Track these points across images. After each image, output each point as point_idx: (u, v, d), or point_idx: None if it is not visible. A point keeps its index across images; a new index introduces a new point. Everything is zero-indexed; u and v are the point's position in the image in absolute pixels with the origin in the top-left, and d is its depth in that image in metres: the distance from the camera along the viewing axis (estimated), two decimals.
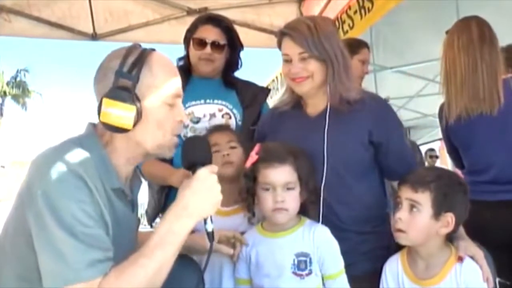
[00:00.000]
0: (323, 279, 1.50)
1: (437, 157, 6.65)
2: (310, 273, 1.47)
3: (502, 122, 1.87)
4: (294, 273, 1.47)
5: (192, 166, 1.28)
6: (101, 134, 1.27)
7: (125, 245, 1.25)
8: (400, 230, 1.48)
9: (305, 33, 1.58)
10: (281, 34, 1.64)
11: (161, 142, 1.27)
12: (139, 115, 1.20)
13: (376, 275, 1.59)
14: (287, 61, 1.63)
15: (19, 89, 22.02)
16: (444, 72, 1.98)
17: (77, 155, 1.18)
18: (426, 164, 6.39)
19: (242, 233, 1.60)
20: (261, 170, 1.47)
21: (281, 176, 1.46)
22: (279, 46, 1.68)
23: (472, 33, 1.94)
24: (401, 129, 1.73)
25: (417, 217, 1.46)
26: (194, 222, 1.22)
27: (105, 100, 1.19)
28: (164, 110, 1.26)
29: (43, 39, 3.92)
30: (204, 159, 1.29)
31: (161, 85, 1.25)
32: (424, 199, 1.45)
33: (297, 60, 1.60)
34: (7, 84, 21.43)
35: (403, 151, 1.68)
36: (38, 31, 3.67)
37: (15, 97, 22.10)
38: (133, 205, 1.34)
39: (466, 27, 1.97)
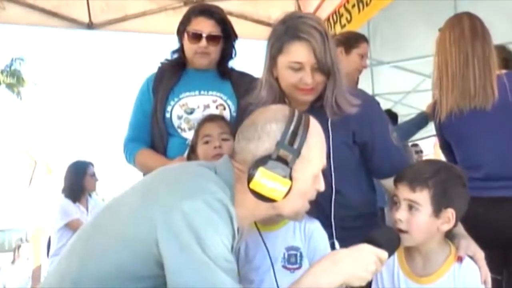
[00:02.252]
0: None
1: (421, 151, 6.65)
2: (300, 267, 1.47)
3: (495, 118, 1.87)
4: (284, 266, 1.47)
5: (370, 241, 1.28)
6: (236, 177, 1.24)
7: None
8: (401, 231, 1.44)
9: (320, 42, 1.47)
10: (291, 38, 1.49)
11: (299, 210, 1.28)
12: (290, 189, 1.18)
13: None
14: (296, 69, 1.50)
15: (14, 78, 21.85)
16: (437, 68, 1.98)
17: (221, 185, 1.18)
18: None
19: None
20: None
21: None
22: (278, 49, 1.51)
23: (464, 28, 1.93)
24: (387, 128, 1.67)
25: (417, 217, 1.42)
26: (341, 281, 1.20)
27: (262, 170, 1.16)
28: (310, 182, 1.26)
29: (38, 27, 3.89)
30: (383, 244, 1.28)
31: (315, 159, 1.25)
32: (423, 198, 1.42)
33: (309, 70, 1.49)
34: (1, 72, 21.25)
35: (389, 150, 1.64)
36: (32, 19, 3.64)
37: (9, 86, 21.94)
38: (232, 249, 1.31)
39: (458, 22, 1.96)
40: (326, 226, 1.54)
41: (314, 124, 1.27)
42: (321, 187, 1.30)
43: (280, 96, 1.59)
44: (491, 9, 3.30)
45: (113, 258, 1.16)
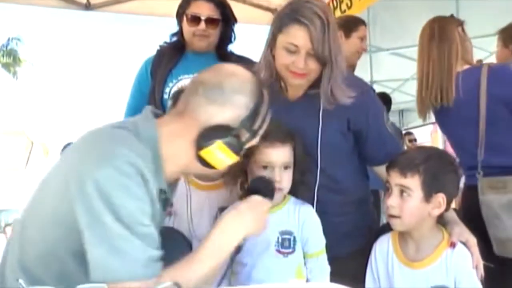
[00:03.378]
0: (304, 258, 1.51)
1: (415, 140, 6.65)
2: (293, 251, 1.49)
3: (457, 113, 1.98)
4: (278, 250, 1.48)
5: (253, 192, 1.35)
6: (160, 126, 1.22)
7: None
8: (393, 216, 1.48)
9: (319, 30, 1.46)
10: (292, 20, 1.48)
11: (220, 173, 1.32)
12: None
13: (357, 254, 1.61)
14: (291, 51, 1.49)
15: (10, 57, 21.67)
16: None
17: (137, 145, 1.16)
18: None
19: (223, 208, 1.59)
20: (261, 148, 1.45)
21: (281, 156, 1.46)
22: (279, 28, 1.51)
23: (424, 35, 2.06)
24: (382, 116, 1.68)
25: (408, 202, 1.46)
26: (245, 233, 1.26)
27: (219, 143, 1.16)
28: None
29: (36, 7, 3.85)
30: (266, 193, 1.35)
31: (258, 138, 1.28)
32: (414, 183, 1.45)
33: (304, 54, 1.48)
34: None
35: (383, 138, 1.65)
36: None
37: (5, 66, 21.77)
38: (166, 204, 1.31)
39: (422, 30, 2.09)
40: (309, 200, 1.56)
41: (269, 104, 1.27)
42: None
43: (277, 76, 1.59)
44: None
45: (48, 236, 1.16)
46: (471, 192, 1.88)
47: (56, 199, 1.15)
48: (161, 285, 0.97)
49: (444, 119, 2.09)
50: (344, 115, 1.58)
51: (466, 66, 2.00)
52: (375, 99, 1.72)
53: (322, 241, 1.52)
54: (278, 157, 1.46)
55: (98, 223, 1.09)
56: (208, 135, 1.17)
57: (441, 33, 2.02)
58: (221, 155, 1.18)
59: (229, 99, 1.19)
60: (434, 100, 1.99)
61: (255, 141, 1.26)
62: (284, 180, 1.47)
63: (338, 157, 1.61)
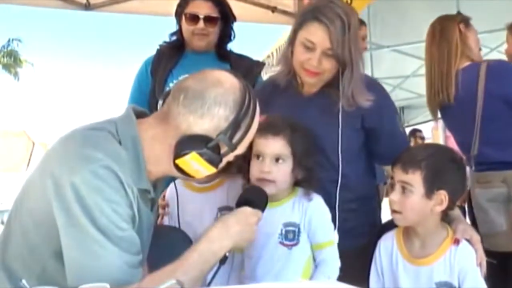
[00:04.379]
0: (313, 251, 1.50)
1: (423, 138, 6.63)
2: (297, 243, 1.48)
3: (458, 111, 2.02)
4: (281, 243, 1.48)
5: (244, 203, 1.34)
6: (143, 128, 1.20)
7: (144, 245, 1.23)
8: (395, 212, 1.49)
9: (339, 30, 1.47)
10: (313, 18, 1.50)
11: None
12: None
13: (361, 251, 1.61)
14: (309, 48, 1.51)
15: (11, 58, 21.70)
16: None
17: (114, 148, 1.15)
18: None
19: (223, 208, 1.60)
20: (255, 139, 1.44)
21: (271, 148, 1.47)
22: (300, 24, 1.52)
23: (427, 36, 2.13)
24: (395, 116, 1.72)
25: (409, 198, 1.46)
26: (232, 245, 1.25)
27: (194, 155, 1.14)
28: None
29: (35, 8, 3.84)
30: (257, 204, 1.34)
31: (240, 149, 1.24)
32: (415, 179, 1.46)
33: (320, 53, 1.50)
34: None
35: (395, 138, 1.66)
36: None
37: (6, 67, 21.80)
38: (153, 203, 1.30)
39: (427, 32, 2.15)
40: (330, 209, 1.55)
41: (257, 121, 1.24)
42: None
43: (294, 72, 1.62)
44: None
45: (30, 236, 1.16)
46: None
47: (36, 201, 1.15)
48: (164, 284, 0.96)
49: (447, 116, 2.12)
50: (359, 111, 1.59)
51: (468, 63, 1.99)
52: (390, 100, 1.73)
53: (330, 232, 1.51)
54: (268, 149, 1.46)
55: (74, 226, 1.09)
56: (185, 144, 1.15)
57: (441, 33, 2.06)
58: (196, 166, 1.16)
59: (209, 110, 1.16)
60: (438, 97, 2.03)
61: (238, 152, 1.24)
62: (275, 172, 1.47)
63: (349, 154, 1.62)
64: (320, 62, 1.51)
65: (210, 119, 1.16)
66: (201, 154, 1.14)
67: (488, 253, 1.52)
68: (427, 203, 1.46)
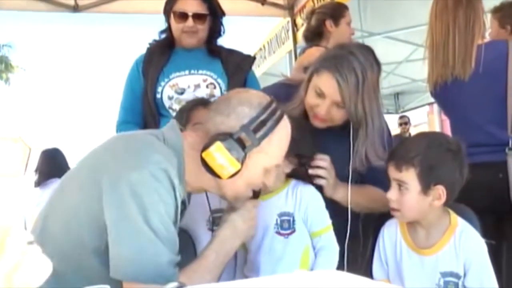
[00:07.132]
0: (311, 239, 1.51)
1: (406, 123, 6.64)
2: (293, 231, 1.49)
3: (473, 87, 1.89)
4: (278, 232, 1.50)
5: None
6: (183, 138, 1.27)
7: None
8: (394, 209, 1.46)
9: (352, 86, 1.46)
10: (328, 68, 1.49)
11: (240, 195, 1.29)
12: (237, 173, 1.19)
13: (361, 240, 1.62)
14: (319, 94, 1.51)
15: (2, 64, 21.55)
16: (426, 39, 2.00)
17: (168, 152, 1.21)
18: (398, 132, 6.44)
19: (215, 211, 1.57)
20: None
21: None
22: (316, 69, 1.51)
23: None
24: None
25: (406, 196, 1.43)
26: (241, 242, 1.35)
27: (218, 144, 1.17)
28: (260, 175, 1.27)
29: (24, 12, 3.82)
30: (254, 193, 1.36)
31: (272, 154, 1.25)
32: (409, 177, 1.41)
33: (330, 103, 1.50)
34: None
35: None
36: (16, 4, 3.57)
37: None
38: (182, 213, 1.32)
39: None
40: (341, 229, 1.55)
41: (285, 125, 1.27)
42: (270, 182, 1.31)
43: (305, 110, 1.60)
44: None
45: (71, 230, 1.19)
46: (492, 169, 1.83)
47: (83, 195, 1.18)
48: (168, 285, 0.98)
49: (454, 95, 1.96)
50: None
51: (483, 40, 1.90)
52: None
53: (325, 218, 1.52)
54: None
55: (127, 222, 1.12)
56: (211, 140, 1.19)
57: (469, 1, 1.90)
58: (221, 160, 1.18)
59: (235, 109, 1.22)
60: (450, 71, 1.88)
61: (272, 162, 1.27)
62: None
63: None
64: (329, 112, 1.51)
65: (235, 117, 1.21)
66: (224, 145, 1.17)
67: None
68: (424, 199, 1.42)
